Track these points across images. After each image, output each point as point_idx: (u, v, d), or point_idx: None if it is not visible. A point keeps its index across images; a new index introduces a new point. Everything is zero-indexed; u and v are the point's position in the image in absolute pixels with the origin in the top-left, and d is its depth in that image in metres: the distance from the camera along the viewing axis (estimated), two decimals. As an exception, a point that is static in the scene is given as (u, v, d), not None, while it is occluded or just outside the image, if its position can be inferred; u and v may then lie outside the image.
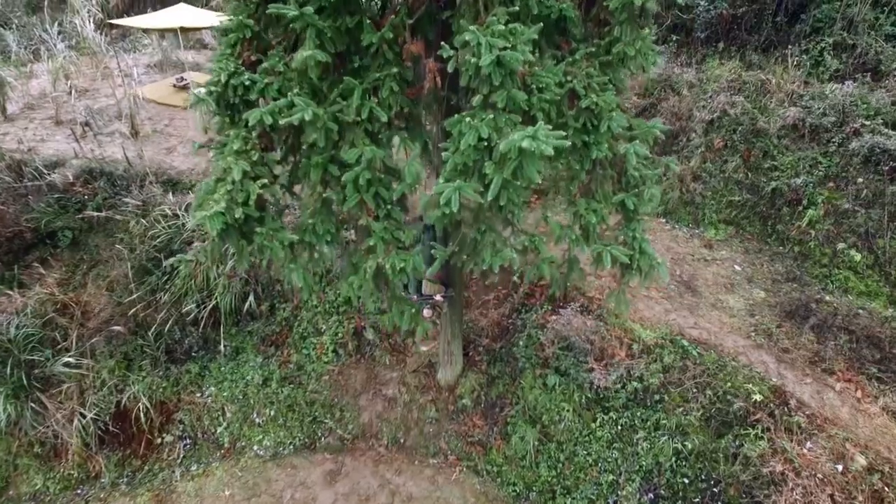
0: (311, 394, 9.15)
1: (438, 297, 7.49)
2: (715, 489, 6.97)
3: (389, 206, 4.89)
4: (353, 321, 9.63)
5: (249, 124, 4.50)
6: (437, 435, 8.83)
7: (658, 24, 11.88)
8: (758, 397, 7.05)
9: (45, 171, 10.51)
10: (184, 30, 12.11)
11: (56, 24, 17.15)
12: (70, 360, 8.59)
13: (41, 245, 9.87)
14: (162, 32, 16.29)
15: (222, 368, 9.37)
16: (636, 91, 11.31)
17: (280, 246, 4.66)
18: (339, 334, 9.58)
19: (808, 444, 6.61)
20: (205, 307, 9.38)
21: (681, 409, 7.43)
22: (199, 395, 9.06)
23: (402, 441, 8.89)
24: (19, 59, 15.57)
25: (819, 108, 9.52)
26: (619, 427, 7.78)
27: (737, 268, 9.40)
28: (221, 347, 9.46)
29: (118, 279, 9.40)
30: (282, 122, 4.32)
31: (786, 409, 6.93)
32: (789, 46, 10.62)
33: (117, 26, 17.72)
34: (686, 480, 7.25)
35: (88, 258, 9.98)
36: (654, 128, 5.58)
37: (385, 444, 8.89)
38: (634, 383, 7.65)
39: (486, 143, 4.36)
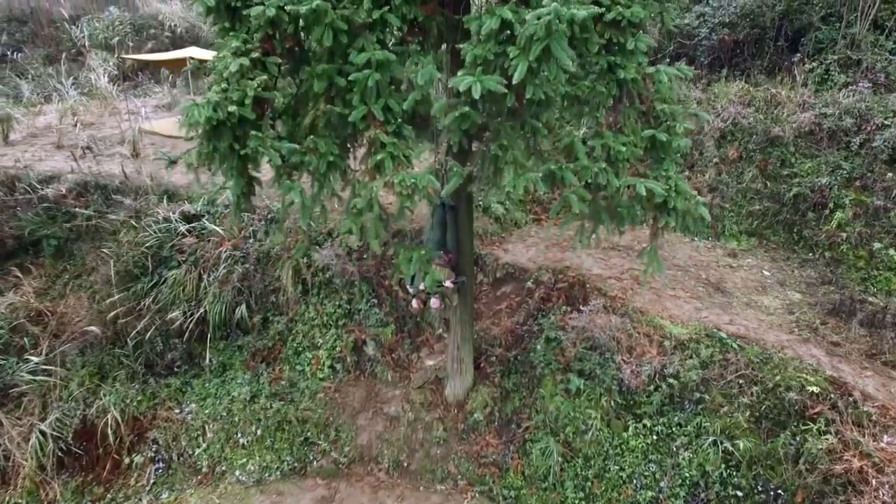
0: (304, 411, 8.14)
1: (448, 284, 6.77)
2: (778, 499, 5.90)
3: (400, 122, 4.42)
4: (352, 334, 8.81)
5: (252, 21, 4.15)
6: (445, 457, 7.74)
7: (661, 53, 12.07)
8: (814, 389, 6.16)
9: (39, 186, 10.13)
10: (194, 60, 12.30)
11: (71, 77, 17.62)
12: (35, 366, 7.70)
13: (23, 253, 9.29)
14: (173, 81, 16.71)
15: (206, 384, 8.43)
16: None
17: (277, 153, 4.13)
18: (338, 348, 8.73)
19: (886, 438, 5.65)
20: (192, 317, 8.63)
21: (725, 409, 6.49)
22: (177, 411, 8.06)
23: (405, 464, 7.78)
24: (30, 101, 15.78)
25: (835, 113, 9.34)
26: (655, 436, 6.78)
27: (766, 273, 8.75)
28: (207, 362, 8.58)
29: (100, 285, 8.71)
30: (289, 8, 3.96)
31: (850, 400, 6.03)
32: (794, 62, 10.68)
33: (131, 76, 18.27)
34: (740, 493, 6.17)
35: (72, 268, 9.35)
36: (681, 69, 5.27)
37: (385, 467, 7.77)
38: (670, 380, 6.75)
39: (509, 33, 3.99)
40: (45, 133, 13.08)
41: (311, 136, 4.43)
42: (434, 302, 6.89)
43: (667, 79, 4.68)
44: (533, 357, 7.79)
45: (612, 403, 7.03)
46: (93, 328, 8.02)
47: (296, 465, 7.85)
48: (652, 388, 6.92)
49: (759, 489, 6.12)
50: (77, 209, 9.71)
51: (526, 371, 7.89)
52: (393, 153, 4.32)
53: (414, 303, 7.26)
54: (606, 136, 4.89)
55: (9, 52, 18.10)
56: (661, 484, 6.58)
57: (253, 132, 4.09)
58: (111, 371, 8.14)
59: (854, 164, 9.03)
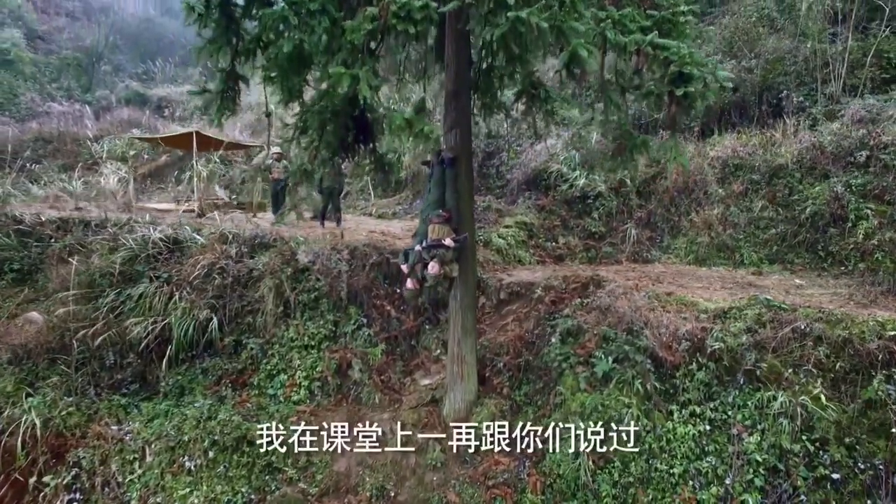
0: (270, 432, 6.62)
1: (448, 241, 6.00)
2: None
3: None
4: (337, 355, 7.62)
5: None
6: (443, 483, 6.09)
7: (649, 122, 12.48)
8: None
9: (19, 217, 9.68)
10: (199, 136, 12.77)
11: (82, 182, 18.20)
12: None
13: (-20, 273, 8.50)
14: (178, 180, 17.30)
15: (157, 407, 6.98)
16: (645, 161, 11.19)
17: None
18: (318, 368, 7.48)
19: None
20: (153, 332, 7.54)
21: (789, 376, 5.23)
22: (115, 427, 6.54)
23: (391, 494, 6.08)
24: (36, 197, 16.04)
25: (833, 140, 9.34)
26: (708, 423, 5.39)
27: (798, 281, 7.89)
28: (162, 383, 7.27)
29: (59, 294, 7.77)
30: None
31: (942, 338, 4.89)
32: (784, 102, 11.07)
33: (140, 186, 18.86)
34: (836, 475, 4.67)
35: (32, 292, 8.44)
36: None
37: (367, 498, 6.06)
38: (716, 345, 5.56)
39: None
40: (41, 202, 13.04)
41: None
42: (432, 268, 6.01)
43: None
44: (547, 355, 6.58)
45: (649, 388, 5.72)
46: (35, 314, 6.89)
47: (252, 496, 6.12)
48: (694, 366, 5.69)
49: (861, 465, 4.63)
50: (52, 239, 9.13)
51: (540, 376, 6.62)
52: (387, -18, 4.06)
53: (409, 283, 6.36)
54: (609, 9, 4.70)
55: (28, 164, 18.95)
56: (727, 478, 5.02)
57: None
58: (45, 381, 6.81)
59: (865, 179, 8.75)
